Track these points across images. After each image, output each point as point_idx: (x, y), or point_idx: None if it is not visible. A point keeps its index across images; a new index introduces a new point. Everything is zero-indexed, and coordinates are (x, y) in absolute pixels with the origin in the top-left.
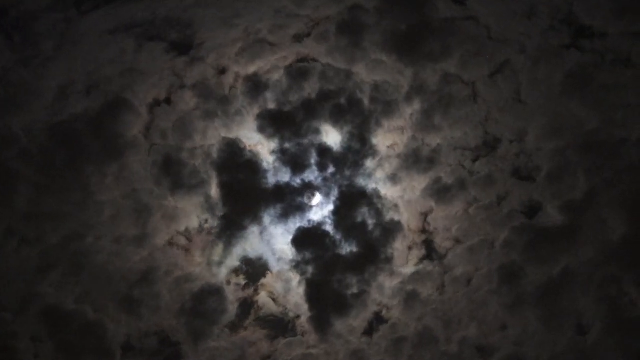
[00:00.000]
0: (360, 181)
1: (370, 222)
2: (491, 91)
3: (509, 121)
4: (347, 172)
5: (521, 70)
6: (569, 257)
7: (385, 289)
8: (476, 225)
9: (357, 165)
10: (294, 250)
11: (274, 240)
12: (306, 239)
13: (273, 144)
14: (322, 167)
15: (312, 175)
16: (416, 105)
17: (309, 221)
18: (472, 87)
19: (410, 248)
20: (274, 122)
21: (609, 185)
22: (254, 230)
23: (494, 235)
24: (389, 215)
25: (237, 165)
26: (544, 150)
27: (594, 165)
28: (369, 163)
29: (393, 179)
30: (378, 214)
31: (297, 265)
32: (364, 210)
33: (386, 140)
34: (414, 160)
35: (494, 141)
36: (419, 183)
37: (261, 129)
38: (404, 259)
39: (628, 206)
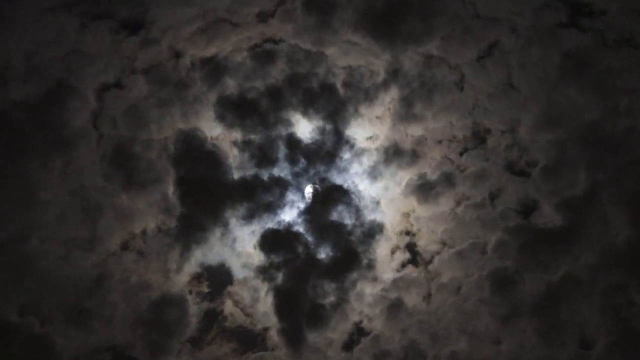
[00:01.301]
0: (336, 177)
1: (348, 222)
2: (479, 76)
3: (500, 109)
4: (321, 167)
5: (512, 52)
6: (569, 261)
7: (365, 297)
8: (465, 226)
9: (332, 159)
10: (261, 254)
11: (240, 243)
12: (275, 241)
13: (236, 135)
14: (292, 161)
15: (281, 170)
16: (395, 92)
17: (279, 222)
18: (458, 72)
19: (392, 252)
20: (237, 111)
21: (612, 182)
22: (216, 232)
23: (485, 238)
24: (369, 215)
25: (196, 159)
26: (540, 142)
27: (595, 159)
28: (345, 156)
29: (372, 174)
30: (356, 213)
31: (265, 271)
32: (341, 209)
33: (363, 131)
34: (395, 153)
35: (484, 132)
36: (401, 179)
37: (222, 118)
38: (387, 263)
39: (633, 205)
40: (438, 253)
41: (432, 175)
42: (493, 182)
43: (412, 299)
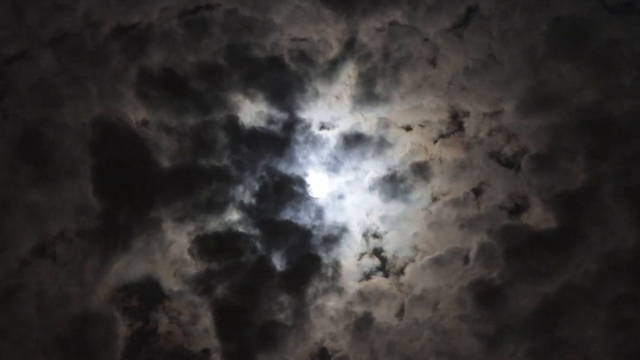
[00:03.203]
0: (288, 169)
1: (304, 223)
2: (455, 48)
3: (480, 89)
4: (269, 157)
5: (492, 19)
6: (567, 269)
7: (328, 311)
8: (442, 228)
9: (282, 147)
10: (198, 261)
11: (173, 248)
12: (216, 246)
13: (166, 119)
14: (234, 151)
15: (220, 160)
16: (355, 68)
17: (220, 222)
18: (430, 44)
19: (358, 258)
20: (165, 90)
21: (616, 174)
22: (144, 235)
23: (467, 242)
24: (328, 214)
25: (119, 147)
26: (529, 128)
27: (596, 147)
28: (298, 144)
29: (331, 166)
30: (314, 212)
31: (204, 282)
32: (295, 207)
33: (319, 114)
34: (357, 140)
35: (462, 115)
36: (364, 172)
37: (147, 98)
38: (351, 272)
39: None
40: (411, 260)
41: (402, 167)
42: (475, 174)
43: (381, 314)
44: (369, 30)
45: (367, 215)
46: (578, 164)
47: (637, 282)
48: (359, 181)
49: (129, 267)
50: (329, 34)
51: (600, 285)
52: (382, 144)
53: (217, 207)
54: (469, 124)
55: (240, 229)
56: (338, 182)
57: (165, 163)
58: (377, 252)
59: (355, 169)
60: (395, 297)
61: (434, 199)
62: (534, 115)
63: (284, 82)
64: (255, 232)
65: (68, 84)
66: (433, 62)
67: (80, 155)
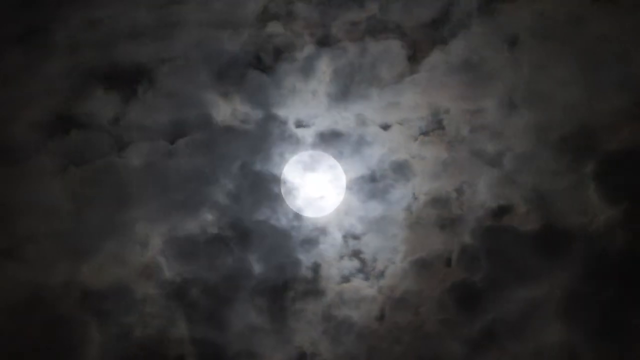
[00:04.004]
0: (263, 168)
1: (281, 224)
2: (435, 44)
3: (461, 85)
4: (244, 156)
5: (473, 13)
6: (552, 272)
7: (307, 315)
8: (424, 228)
9: (258, 146)
10: (172, 264)
11: (147, 251)
12: (191, 248)
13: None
14: (208, 149)
15: (193, 159)
16: (330, 65)
17: (195, 224)
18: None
19: (337, 260)
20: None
21: (604, 174)
22: (117, 236)
23: (449, 244)
24: (307, 216)
25: (89, 145)
26: (514, 125)
27: (580, 145)
28: (274, 143)
29: (308, 165)
30: (290, 213)
31: (178, 286)
32: (272, 208)
33: (295, 111)
34: (334, 139)
35: (443, 112)
36: (343, 170)
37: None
38: (331, 275)
39: (628, 202)
40: (392, 262)
41: (381, 165)
42: (457, 173)
43: (362, 318)
44: (345, 25)
45: (346, 215)
46: (564, 162)
47: (625, 285)
48: (338, 180)
49: (101, 270)
50: (303, 29)
51: (588, 288)
52: (360, 143)
53: (192, 207)
54: (450, 122)
55: (216, 230)
56: (316, 181)
57: (138, 162)
58: (356, 254)
59: (333, 167)
60: (376, 300)
61: (415, 199)
62: (518, 112)
63: (259, 79)
64: (231, 233)
65: (36, 81)
66: (412, 58)
67: (49, 153)
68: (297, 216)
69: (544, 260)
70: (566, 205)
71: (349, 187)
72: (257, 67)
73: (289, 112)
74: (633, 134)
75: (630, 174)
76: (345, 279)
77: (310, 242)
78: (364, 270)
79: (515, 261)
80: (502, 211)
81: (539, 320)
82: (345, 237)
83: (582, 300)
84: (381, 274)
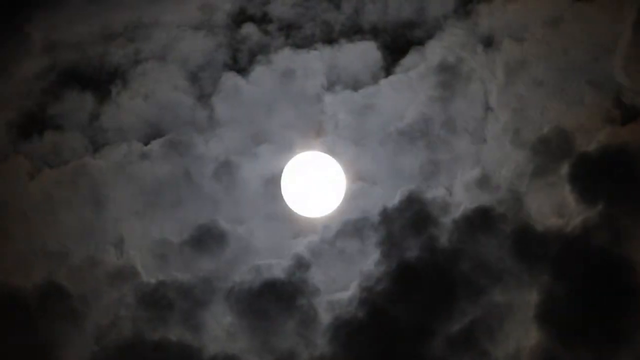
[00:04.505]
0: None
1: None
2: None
3: None
4: None
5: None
6: (531, 274)
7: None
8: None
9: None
10: None
11: None
12: None
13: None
14: None
15: None
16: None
17: None
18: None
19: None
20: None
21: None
22: None
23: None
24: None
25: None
26: (490, 126)
27: (558, 148)
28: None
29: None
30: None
31: None
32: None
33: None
34: None
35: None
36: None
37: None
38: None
39: (604, 203)
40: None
41: None
42: (433, 175)
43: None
44: (320, 26)
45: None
46: (540, 164)
47: (602, 287)
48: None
49: (76, 272)
50: (278, 30)
51: (564, 291)
52: None
53: (167, 209)
54: (426, 123)
55: (192, 232)
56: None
57: (112, 163)
58: (337, 255)
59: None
60: (352, 303)
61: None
62: (493, 114)
63: (234, 80)
64: (207, 235)
65: (11, 82)
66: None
67: (24, 155)
68: (278, 217)
69: (521, 263)
70: (542, 207)
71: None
72: (233, 68)
73: (263, 113)
74: (609, 135)
75: (606, 175)
76: (325, 283)
77: (291, 244)
78: (343, 272)
79: (492, 263)
80: (478, 213)
81: (516, 323)
82: (323, 240)
83: (559, 303)
84: (358, 276)
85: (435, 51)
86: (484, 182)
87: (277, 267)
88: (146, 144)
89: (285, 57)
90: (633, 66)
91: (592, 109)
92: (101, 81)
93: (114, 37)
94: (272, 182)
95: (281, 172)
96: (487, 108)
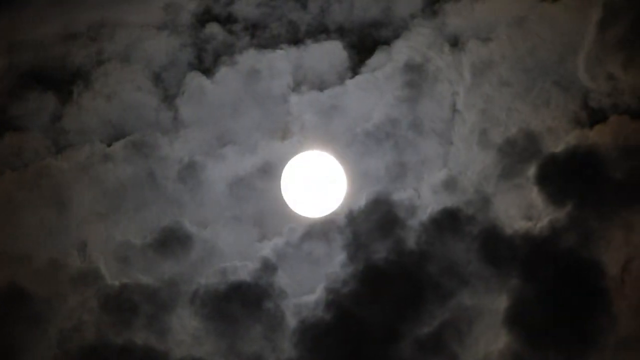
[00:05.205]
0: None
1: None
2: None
3: None
4: None
5: None
6: (499, 277)
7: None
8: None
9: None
10: None
11: None
12: None
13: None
14: None
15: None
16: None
17: None
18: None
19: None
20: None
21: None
22: None
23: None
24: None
25: None
26: (457, 127)
27: (525, 149)
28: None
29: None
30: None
31: None
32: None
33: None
34: None
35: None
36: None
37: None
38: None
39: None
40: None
41: None
42: (400, 176)
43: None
44: (285, 26)
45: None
46: (507, 165)
47: (571, 289)
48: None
49: (38, 276)
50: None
51: (533, 293)
52: None
53: (131, 211)
54: (394, 124)
55: (156, 235)
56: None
57: (74, 165)
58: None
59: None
60: (318, 306)
61: (357, 202)
62: (460, 114)
63: (198, 80)
64: (172, 237)
65: None
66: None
67: None
68: (244, 218)
69: (489, 265)
70: (510, 209)
71: None
72: (197, 68)
73: (228, 114)
74: (576, 137)
75: (573, 177)
76: (291, 285)
77: (257, 246)
78: (310, 275)
79: (460, 266)
80: (446, 215)
81: (485, 326)
82: (289, 243)
83: (528, 305)
84: (324, 279)
85: (401, 51)
86: (451, 183)
87: (243, 270)
88: (109, 145)
89: (250, 57)
90: (597, 69)
91: (558, 110)
92: (63, 82)
93: (76, 37)
94: (238, 184)
95: (246, 173)
96: (454, 109)
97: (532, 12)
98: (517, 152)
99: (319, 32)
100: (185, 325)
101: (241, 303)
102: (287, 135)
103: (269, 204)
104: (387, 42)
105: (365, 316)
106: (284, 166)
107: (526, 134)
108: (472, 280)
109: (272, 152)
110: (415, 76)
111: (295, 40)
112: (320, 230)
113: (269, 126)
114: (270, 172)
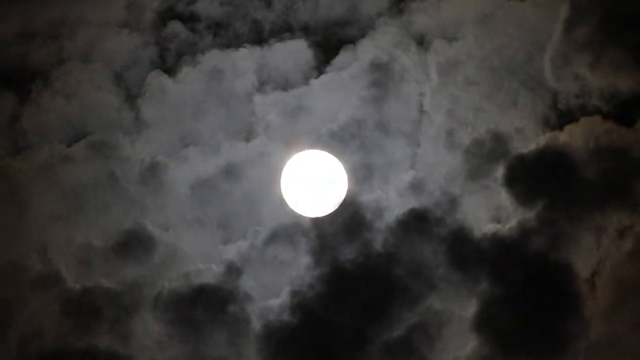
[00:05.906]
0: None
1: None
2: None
3: None
4: None
5: None
6: (468, 280)
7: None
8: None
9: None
10: None
11: None
12: None
13: None
14: None
15: None
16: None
17: None
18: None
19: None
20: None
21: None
22: None
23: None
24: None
25: None
26: (424, 128)
27: (493, 150)
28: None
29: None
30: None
31: None
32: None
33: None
34: None
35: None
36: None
37: None
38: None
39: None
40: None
41: None
42: (366, 178)
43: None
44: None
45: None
46: (475, 166)
47: (542, 292)
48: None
49: None
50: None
51: (502, 297)
52: None
53: (92, 213)
54: (360, 125)
55: (118, 237)
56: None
57: (33, 165)
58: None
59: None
60: (284, 310)
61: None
62: (427, 115)
63: (160, 79)
64: (134, 240)
65: None
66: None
67: None
68: (205, 221)
69: (457, 268)
70: (478, 211)
71: None
72: (159, 67)
73: (191, 114)
74: (544, 137)
75: (543, 177)
76: (256, 289)
77: (221, 249)
78: (275, 278)
79: (428, 268)
80: (413, 217)
81: (454, 329)
82: (253, 246)
83: (497, 309)
84: (290, 283)
85: (367, 50)
86: (418, 185)
87: (207, 273)
88: (69, 145)
89: (213, 57)
90: (564, 69)
91: (526, 110)
92: (22, 81)
93: (35, 35)
94: (201, 185)
95: (209, 174)
96: (421, 110)
97: (499, 10)
98: (485, 153)
99: (284, 31)
100: (149, 329)
101: (205, 307)
102: (251, 136)
103: (233, 206)
104: (352, 41)
105: (331, 320)
106: (248, 167)
107: (494, 135)
108: (440, 283)
109: (236, 153)
110: (382, 75)
111: (260, 39)
112: (285, 232)
113: (232, 127)
114: (233, 173)
